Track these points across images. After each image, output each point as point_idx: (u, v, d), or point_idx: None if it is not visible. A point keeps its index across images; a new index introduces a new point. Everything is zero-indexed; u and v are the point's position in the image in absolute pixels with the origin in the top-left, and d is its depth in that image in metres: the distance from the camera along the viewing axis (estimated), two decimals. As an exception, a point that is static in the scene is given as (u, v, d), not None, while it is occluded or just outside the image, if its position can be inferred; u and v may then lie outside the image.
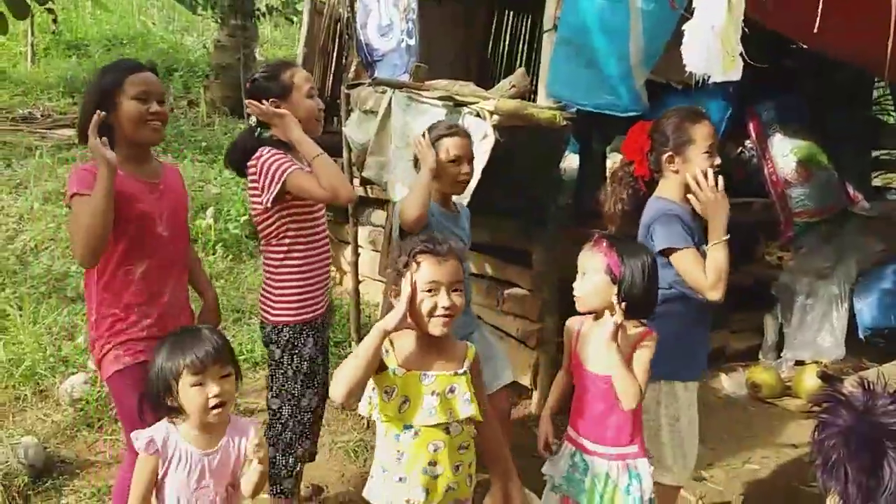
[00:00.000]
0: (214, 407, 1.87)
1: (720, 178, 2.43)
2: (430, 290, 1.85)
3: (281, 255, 2.55)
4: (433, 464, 1.90)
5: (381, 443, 1.96)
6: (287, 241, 2.54)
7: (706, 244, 2.44)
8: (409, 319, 1.88)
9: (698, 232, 2.50)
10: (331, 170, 2.47)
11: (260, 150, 2.48)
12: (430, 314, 1.86)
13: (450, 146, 2.66)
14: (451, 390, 1.91)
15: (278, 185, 2.41)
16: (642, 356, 2.12)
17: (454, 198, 2.86)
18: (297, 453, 2.60)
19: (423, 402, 1.88)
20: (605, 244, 2.14)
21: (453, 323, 1.91)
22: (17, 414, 3.47)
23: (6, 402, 3.51)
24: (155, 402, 1.93)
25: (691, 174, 2.44)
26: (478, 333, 2.88)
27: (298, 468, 2.64)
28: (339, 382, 1.81)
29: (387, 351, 1.90)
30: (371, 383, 1.88)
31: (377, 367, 1.86)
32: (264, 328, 2.60)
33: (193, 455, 1.91)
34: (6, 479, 2.89)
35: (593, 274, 2.13)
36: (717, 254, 2.39)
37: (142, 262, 2.28)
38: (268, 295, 2.58)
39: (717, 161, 2.46)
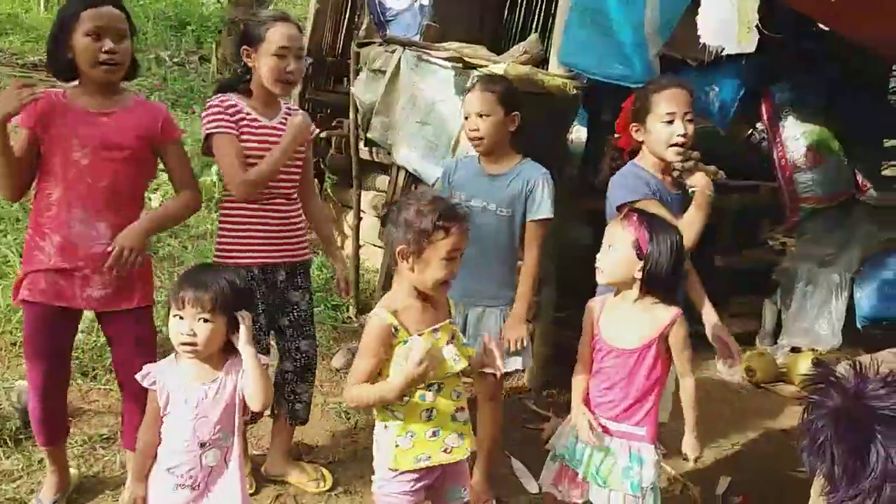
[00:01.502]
0: (183, 344, 1.93)
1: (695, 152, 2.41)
2: (450, 259, 1.88)
3: (226, 194, 2.61)
4: (462, 409, 1.99)
5: (404, 409, 1.94)
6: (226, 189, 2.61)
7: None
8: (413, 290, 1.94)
9: (675, 203, 2.48)
10: (264, 172, 2.49)
11: (215, 95, 2.56)
12: (443, 282, 1.90)
13: (464, 103, 2.65)
14: (453, 336, 1.99)
15: (205, 138, 2.52)
16: (678, 339, 2.13)
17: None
18: None
19: (445, 353, 1.93)
20: (635, 218, 2.12)
21: (460, 285, 2.01)
22: (14, 359, 3.48)
23: (3, 348, 3.52)
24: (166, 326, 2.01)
25: (653, 143, 2.43)
26: (493, 312, 2.70)
27: None
28: (354, 400, 1.94)
29: (395, 328, 1.89)
30: (395, 358, 1.91)
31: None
32: None
33: (189, 388, 1.98)
34: (-2, 422, 2.91)
35: (620, 247, 2.11)
36: (694, 217, 2.39)
37: (56, 187, 2.27)
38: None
39: (680, 130, 2.39)
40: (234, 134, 2.49)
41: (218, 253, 2.62)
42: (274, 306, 2.71)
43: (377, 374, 1.93)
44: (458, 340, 2.01)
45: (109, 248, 2.26)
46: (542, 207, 2.61)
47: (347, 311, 4.43)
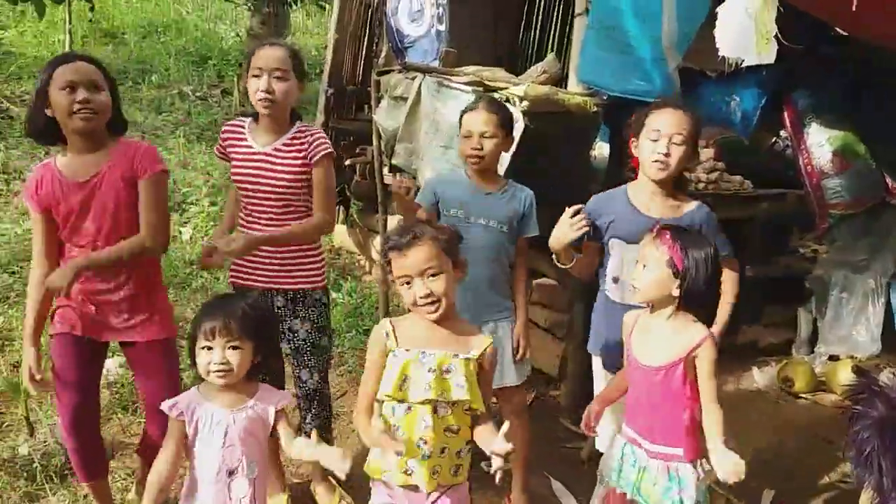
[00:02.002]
0: (216, 372, 1.97)
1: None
2: (406, 284, 1.91)
3: (239, 218, 2.76)
4: (425, 442, 1.93)
5: (377, 417, 1.96)
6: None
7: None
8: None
9: (627, 222, 2.50)
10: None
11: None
12: (416, 304, 1.91)
13: (464, 121, 2.72)
14: (447, 371, 1.92)
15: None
16: (703, 364, 2.08)
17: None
18: None
19: (419, 378, 1.91)
20: (668, 236, 2.11)
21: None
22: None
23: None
24: (192, 359, 2.04)
25: (641, 158, 2.47)
26: (503, 324, 2.79)
27: None
28: (357, 428, 2.03)
29: (387, 334, 1.95)
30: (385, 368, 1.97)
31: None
32: None
33: (216, 414, 2.01)
34: (44, 459, 2.96)
35: (655, 266, 2.11)
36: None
37: (72, 249, 2.41)
38: None
39: (662, 150, 2.37)
40: (222, 158, 2.74)
41: (231, 272, 2.77)
42: (282, 333, 2.76)
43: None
44: (450, 377, 1.92)
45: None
46: (534, 226, 2.82)
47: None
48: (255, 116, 2.68)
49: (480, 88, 3.33)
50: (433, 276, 1.89)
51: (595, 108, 3.20)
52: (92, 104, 2.29)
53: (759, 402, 4.12)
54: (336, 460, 1.87)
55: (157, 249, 2.49)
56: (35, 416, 3.25)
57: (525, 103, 3.11)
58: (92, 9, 7.92)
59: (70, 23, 8.62)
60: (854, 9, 1.91)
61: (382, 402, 1.97)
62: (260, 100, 2.54)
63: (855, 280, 4.50)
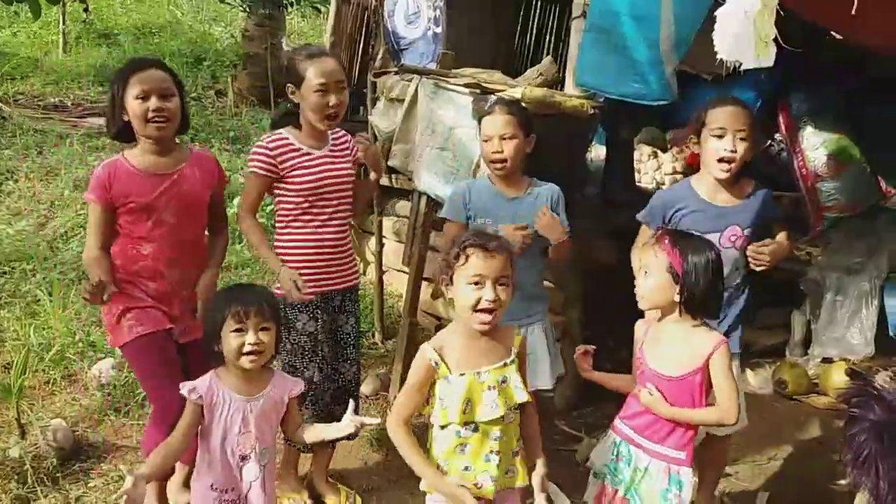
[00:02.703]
0: (249, 353, 2.03)
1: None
2: (476, 283, 1.89)
3: (280, 230, 2.74)
4: (496, 452, 1.96)
5: (439, 437, 1.99)
6: (283, 218, 2.71)
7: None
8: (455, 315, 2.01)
9: (735, 214, 2.58)
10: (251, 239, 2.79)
11: (269, 133, 2.71)
12: (475, 308, 1.90)
13: (483, 125, 2.71)
14: (504, 381, 1.96)
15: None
16: (719, 370, 2.08)
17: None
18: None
19: (483, 398, 1.93)
20: (667, 241, 2.12)
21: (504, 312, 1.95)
22: (47, 397, 3.52)
23: (36, 386, 3.57)
24: (207, 348, 2.09)
25: (705, 156, 2.59)
26: (538, 326, 2.79)
27: None
28: (395, 441, 1.99)
29: (436, 364, 1.94)
30: (436, 394, 1.98)
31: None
32: None
33: (234, 401, 2.07)
34: (35, 461, 2.93)
35: (655, 272, 2.11)
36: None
37: (146, 245, 2.51)
38: None
39: (729, 146, 2.48)
40: (268, 176, 2.65)
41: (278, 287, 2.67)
42: (325, 331, 2.79)
43: (424, 404, 2.00)
44: (509, 384, 1.98)
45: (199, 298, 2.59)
46: (563, 221, 2.72)
47: (373, 336, 4.44)
48: (289, 124, 2.71)
49: (477, 91, 3.32)
50: (503, 285, 1.91)
51: (592, 111, 3.20)
52: (165, 112, 2.44)
53: (753, 403, 4.10)
54: (344, 427, 2.08)
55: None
56: (26, 417, 3.23)
57: (522, 105, 3.10)
58: (86, 10, 7.89)
59: (64, 23, 8.60)
60: (853, 13, 1.91)
61: (444, 426, 1.97)
62: (329, 116, 2.61)
63: (849, 282, 4.51)
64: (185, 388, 2.06)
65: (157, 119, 2.43)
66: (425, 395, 1.98)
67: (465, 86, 3.38)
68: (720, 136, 2.48)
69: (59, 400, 3.51)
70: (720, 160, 2.48)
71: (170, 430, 2.40)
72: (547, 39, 6.12)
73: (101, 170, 2.49)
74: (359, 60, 5.45)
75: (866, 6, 2.04)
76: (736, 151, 2.47)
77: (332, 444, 2.90)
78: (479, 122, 2.74)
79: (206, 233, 2.76)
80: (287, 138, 2.67)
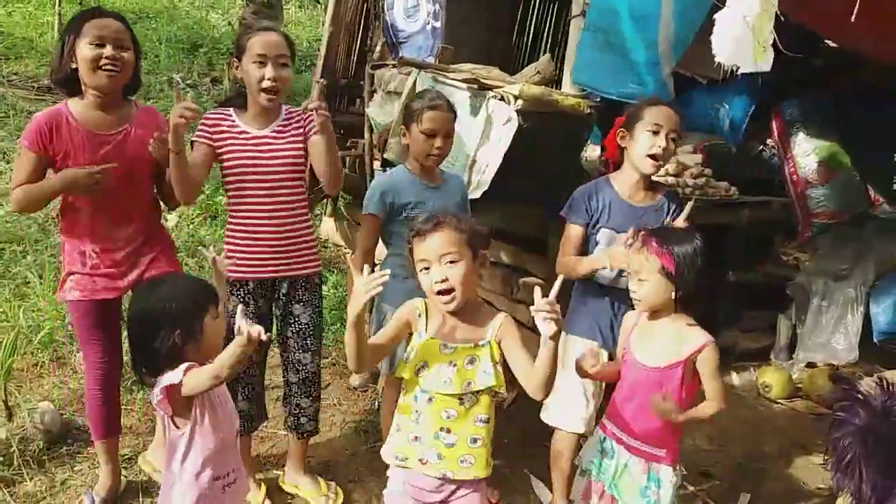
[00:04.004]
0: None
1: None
2: (424, 269, 1.92)
3: (229, 210, 2.69)
4: (447, 431, 1.94)
5: (401, 402, 2.02)
6: (229, 199, 2.66)
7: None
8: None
9: (648, 216, 2.58)
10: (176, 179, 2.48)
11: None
12: (432, 292, 1.92)
13: (426, 119, 2.66)
14: (471, 361, 1.93)
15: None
16: (707, 367, 2.12)
17: (445, 168, 2.90)
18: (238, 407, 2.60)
19: (439, 370, 1.92)
20: (654, 244, 2.14)
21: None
22: (35, 380, 3.52)
23: (25, 368, 3.56)
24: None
25: (634, 150, 2.59)
26: None
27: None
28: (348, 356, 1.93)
29: (420, 315, 1.98)
30: (404, 344, 2.03)
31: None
32: None
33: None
34: (22, 444, 2.94)
35: (649, 276, 2.15)
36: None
37: (86, 209, 2.48)
38: None
39: (661, 143, 2.51)
40: (206, 144, 2.57)
41: (231, 268, 2.63)
42: (279, 319, 2.77)
43: (399, 380, 2.04)
44: (476, 366, 1.93)
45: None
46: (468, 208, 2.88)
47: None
48: (239, 105, 2.63)
49: (475, 85, 3.33)
50: (451, 262, 1.89)
51: (588, 110, 3.22)
52: (119, 61, 2.36)
53: (737, 406, 4.16)
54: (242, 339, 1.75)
55: (178, 204, 2.71)
56: (13, 400, 3.22)
57: (519, 102, 3.11)
58: (82, -8, 7.84)
59: (60, 4, 8.53)
60: (853, 20, 1.93)
61: (404, 388, 2.00)
62: (266, 88, 2.51)
63: (835, 288, 4.56)
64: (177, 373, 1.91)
65: (108, 66, 2.33)
66: (399, 335, 2.01)
67: (463, 81, 3.39)
68: (655, 133, 2.50)
69: (47, 383, 3.50)
70: (651, 156, 2.52)
71: (95, 384, 2.66)
72: (544, 37, 6.14)
73: (42, 117, 2.38)
74: (356, 52, 5.45)
75: (862, 16, 2.06)
76: (668, 149, 2.52)
77: (299, 435, 2.87)
78: (416, 113, 2.68)
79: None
80: (228, 114, 2.60)
